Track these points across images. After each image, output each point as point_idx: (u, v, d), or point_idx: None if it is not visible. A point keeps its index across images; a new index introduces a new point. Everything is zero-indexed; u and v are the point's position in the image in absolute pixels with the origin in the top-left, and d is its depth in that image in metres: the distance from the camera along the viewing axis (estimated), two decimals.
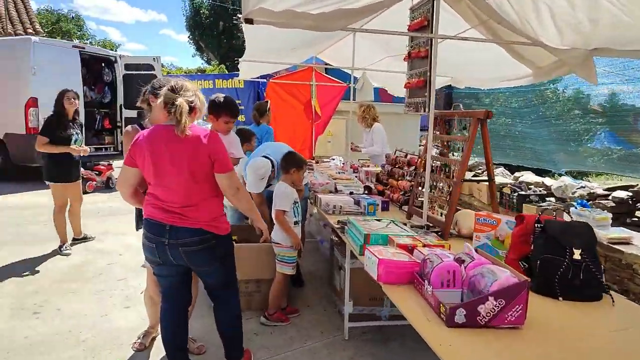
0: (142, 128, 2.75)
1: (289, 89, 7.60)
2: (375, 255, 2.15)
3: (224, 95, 3.43)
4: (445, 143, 3.64)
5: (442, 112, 3.58)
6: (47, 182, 5.02)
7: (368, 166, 5.66)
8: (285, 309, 3.70)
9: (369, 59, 6.04)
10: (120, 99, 10.08)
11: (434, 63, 3.13)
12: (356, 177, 5.46)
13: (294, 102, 7.65)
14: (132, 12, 75.73)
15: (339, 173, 5.65)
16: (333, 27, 3.10)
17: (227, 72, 20.88)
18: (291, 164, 3.52)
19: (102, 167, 9.09)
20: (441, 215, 3.15)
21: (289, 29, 3.32)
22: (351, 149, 5.85)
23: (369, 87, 5.88)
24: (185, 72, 22.29)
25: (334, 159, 7.34)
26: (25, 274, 4.41)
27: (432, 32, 3.12)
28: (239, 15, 2.82)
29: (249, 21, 2.74)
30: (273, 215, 3.56)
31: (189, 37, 30.05)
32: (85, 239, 5.53)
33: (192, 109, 2.38)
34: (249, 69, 6.60)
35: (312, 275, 4.63)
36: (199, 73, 20.83)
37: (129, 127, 2.73)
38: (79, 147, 5.03)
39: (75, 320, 3.52)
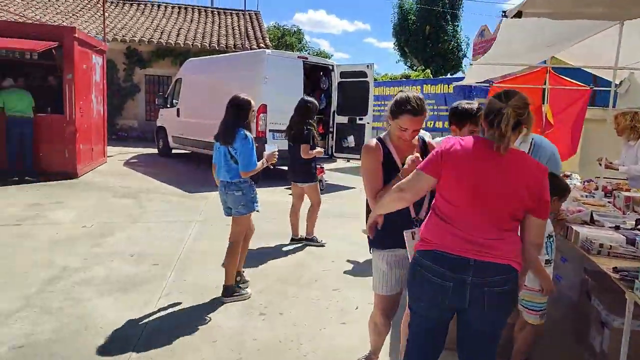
0: (383, 143, 2.51)
1: None
2: None
3: (466, 101, 2.99)
4: None
5: None
6: (300, 185, 5.60)
7: (628, 190, 4.48)
8: None
9: (635, 56, 4.80)
10: (333, 106, 10.53)
11: None
12: (609, 202, 4.36)
13: None
14: (341, 24, 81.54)
15: (585, 196, 4.61)
16: (629, 14, 2.36)
17: (431, 77, 20.43)
18: (552, 190, 2.84)
19: None
20: None
21: (559, 21, 2.70)
22: (605, 166, 4.72)
23: (638, 90, 4.66)
24: (391, 78, 22.58)
25: (568, 175, 6.15)
26: (251, 270, 4.67)
27: None
28: (504, 11, 2.36)
29: (518, 14, 2.26)
30: None
31: (394, 43, 30.65)
32: (300, 240, 5.77)
33: (518, 124, 1.92)
34: (478, 72, 5.98)
35: (547, 320, 3.81)
36: (404, 79, 20.83)
37: (372, 141, 2.51)
38: (321, 150, 5.64)
39: (296, 329, 3.52)
